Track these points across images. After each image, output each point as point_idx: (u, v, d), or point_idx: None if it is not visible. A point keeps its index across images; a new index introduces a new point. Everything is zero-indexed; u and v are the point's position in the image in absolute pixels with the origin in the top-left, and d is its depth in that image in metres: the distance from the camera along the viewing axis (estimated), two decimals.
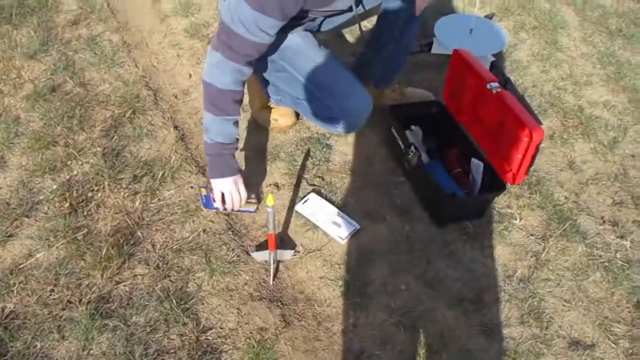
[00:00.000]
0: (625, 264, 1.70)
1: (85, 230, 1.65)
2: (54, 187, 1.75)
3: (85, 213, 1.70)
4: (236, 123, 1.64)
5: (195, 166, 1.87)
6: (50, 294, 1.49)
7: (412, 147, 1.77)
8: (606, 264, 1.70)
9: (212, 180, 1.67)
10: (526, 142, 1.66)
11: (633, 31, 2.68)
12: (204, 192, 1.72)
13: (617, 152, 2.07)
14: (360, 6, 1.69)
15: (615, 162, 2.04)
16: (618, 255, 1.73)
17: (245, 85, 2.01)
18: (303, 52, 1.70)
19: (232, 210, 1.70)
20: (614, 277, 1.66)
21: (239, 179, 1.67)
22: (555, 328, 1.53)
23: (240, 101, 1.62)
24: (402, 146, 1.83)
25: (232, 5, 1.44)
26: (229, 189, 1.66)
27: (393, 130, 1.89)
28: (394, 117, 1.91)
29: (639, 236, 1.79)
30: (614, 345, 1.50)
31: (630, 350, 1.50)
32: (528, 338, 1.50)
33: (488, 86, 1.77)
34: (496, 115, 1.77)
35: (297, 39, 1.70)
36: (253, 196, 1.74)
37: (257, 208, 1.73)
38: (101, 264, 1.55)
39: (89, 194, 1.75)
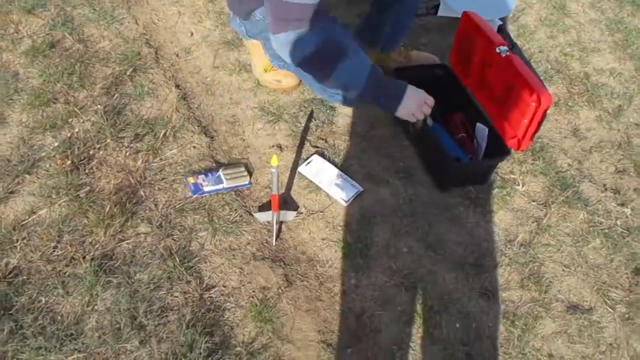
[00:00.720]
0: (625, 231, 1.71)
1: (88, 188, 1.64)
2: (55, 144, 1.74)
3: (87, 171, 1.68)
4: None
5: (198, 126, 1.86)
6: (54, 251, 1.49)
7: None
8: (606, 230, 1.71)
9: (399, 114, 1.63)
10: (534, 108, 1.64)
11: None
12: (191, 180, 1.67)
13: (622, 120, 2.07)
14: None
15: (619, 130, 2.03)
16: (618, 223, 1.74)
17: (249, 48, 1.99)
18: None
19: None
20: (614, 244, 1.67)
21: (411, 89, 1.62)
22: (554, 292, 1.55)
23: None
24: None
25: None
26: (415, 106, 1.62)
27: None
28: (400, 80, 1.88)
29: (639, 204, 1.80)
30: (611, 310, 1.53)
31: (627, 315, 1.52)
32: (527, 301, 1.52)
33: (497, 49, 1.75)
34: (504, 79, 1.75)
35: None
36: (243, 169, 1.72)
37: (250, 181, 1.72)
38: (104, 222, 1.55)
39: (91, 152, 1.73)
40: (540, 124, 1.72)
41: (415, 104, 1.62)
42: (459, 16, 1.96)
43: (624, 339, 1.48)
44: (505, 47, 1.76)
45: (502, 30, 2.24)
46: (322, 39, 1.47)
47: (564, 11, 2.50)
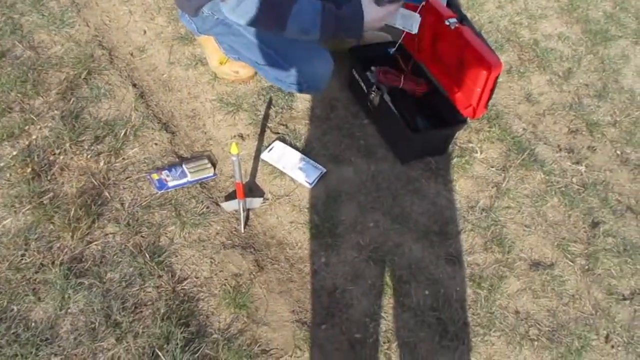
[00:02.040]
0: (581, 188, 1.78)
1: (51, 194, 1.63)
2: (14, 153, 1.72)
3: (49, 177, 1.68)
4: None
5: (158, 123, 1.86)
6: (22, 259, 1.49)
7: (374, 87, 1.79)
8: (563, 189, 1.77)
9: (370, 27, 1.60)
10: (485, 76, 1.69)
11: None
12: (155, 177, 1.68)
13: (572, 82, 2.13)
14: None
15: (570, 92, 2.10)
16: (574, 180, 1.80)
17: (201, 43, 1.99)
18: None
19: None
20: (571, 201, 1.74)
21: (370, 6, 1.56)
22: (516, 252, 1.61)
23: None
24: (364, 87, 1.85)
25: None
26: (381, 13, 1.57)
27: (354, 73, 1.90)
28: (355, 59, 1.91)
29: (593, 161, 1.87)
30: (571, 263, 1.59)
31: (587, 267, 1.59)
32: (492, 263, 1.58)
33: (446, 22, 1.78)
34: (455, 51, 1.79)
35: None
36: (207, 161, 1.74)
37: (215, 172, 1.73)
38: (70, 226, 1.55)
39: (51, 158, 1.72)
40: (492, 91, 1.76)
41: (377, 15, 1.58)
42: None
43: (585, 290, 1.55)
44: (455, 20, 1.80)
45: (451, 3, 2.28)
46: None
47: None
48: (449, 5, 2.26)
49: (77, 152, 1.74)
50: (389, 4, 1.59)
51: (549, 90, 2.09)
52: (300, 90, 1.78)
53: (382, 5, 1.58)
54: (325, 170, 1.74)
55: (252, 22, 1.51)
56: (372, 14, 1.57)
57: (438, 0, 1.86)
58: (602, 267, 1.59)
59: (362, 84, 1.85)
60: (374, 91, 1.78)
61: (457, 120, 1.77)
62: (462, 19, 2.25)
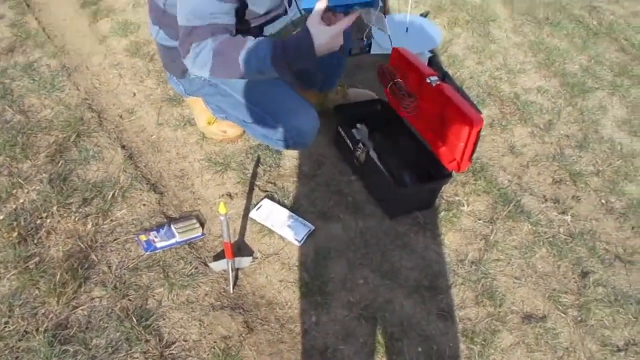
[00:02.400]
0: (569, 238, 1.79)
1: (37, 258, 1.62)
2: (0, 217, 1.71)
3: (35, 241, 1.66)
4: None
5: (146, 184, 1.87)
6: (5, 326, 1.46)
7: (360, 144, 1.82)
8: (551, 239, 1.78)
9: (321, 53, 1.47)
10: (467, 131, 1.73)
11: (559, 18, 2.83)
12: (143, 238, 1.67)
13: (553, 133, 2.18)
14: (296, 11, 1.72)
15: (552, 143, 2.14)
16: (561, 230, 1.82)
17: (189, 104, 2.03)
18: None
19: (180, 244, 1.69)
20: (559, 251, 1.75)
21: (313, 27, 1.43)
22: (508, 305, 1.60)
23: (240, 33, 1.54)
24: (350, 144, 1.88)
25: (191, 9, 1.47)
26: (329, 36, 1.44)
27: (340, 130, 1.93)
28: (340, 117, 1.95)
29: (579, 210, 1.89)
30: (563, 315, 1.58)
31: (579, 318, 1.58)
32: (484, 317, 1.56)
33: (428, 80, 1.84)
34: (437, 107, 1.84)
35: None
36: (195, 221, 1.74)
37: (203, 232, 1.73)
38: (56, 290, 1.53)
39: (38, 222, 1.72)
40: (475, 145, 1.80)
41: (328, 36, 1.44)
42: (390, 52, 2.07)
43: (579, 342, 1.53)
44: (436, 77, 1.85)
45: (433, 61, 2.36)
46: (219, 39, 1.49)
47: (488, 38, 2.66)
48: (430, 63, 2.34)
49: (65, 215, 1.74)
50: (341, 20, 1.45)
51: (531, 142, 2.14)
52: (287, 147, 1.81)
53: (333, 22, 1.46)
54: (313, 227, 1.74)
55: (212, 73, 1.53)
56: (322, 35, 1.43)
57: (418, 59, 1.93)
58: (594, 318, 1.59)
59: (348, 141, 1.88)
60: (359, 148, 1.81)
61: (442, 175, 1.79)
62: (444, 76, 2.33)
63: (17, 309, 1.50)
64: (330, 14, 1.46)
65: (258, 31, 1.73)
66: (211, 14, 1.47)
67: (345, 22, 1.43)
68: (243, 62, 1.48)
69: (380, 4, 1.48)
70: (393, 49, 1.99)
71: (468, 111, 1.72)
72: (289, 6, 1.70)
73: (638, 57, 2.61)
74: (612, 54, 2.63)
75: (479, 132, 1.75)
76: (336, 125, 1.96)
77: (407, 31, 2.38)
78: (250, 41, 1.49)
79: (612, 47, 2.68)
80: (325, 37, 1.44)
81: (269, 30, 1.79)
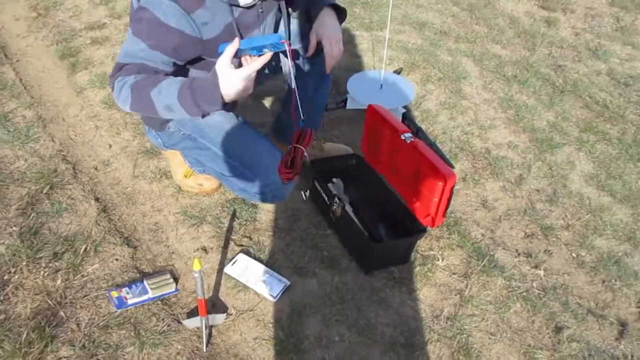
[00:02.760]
0: (542, 292, 1.81)
1: (3, 316, 1.57)
2: None
3: (1, 298, 1.61)
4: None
5: (120, 237, 1.84)
6: None
7: (336, 198, 1.84)
8: (524, 294, 1.80)
9: (228, 99, 1.43)
10: (441, 187, 1.76)
11: (526, 76, 2.95)
12: (115, 294, 1.64)
13: (524, 187, 2.24)
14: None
15: (523, 197, 2.19)
16: (534, 285, 1.84)
17: (166, 157, 2.04)
18: (224, 129, 1.73)
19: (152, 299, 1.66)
20: (533, 306, 1.76)
21: (221, 70, 1.39)
22: None
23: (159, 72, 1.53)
24: (326, 198, 1.89)
25: (124, 46, 1.50)
26: (236, 80, 1.40)
27: (316, 184, 1.95)
28: (316, 171, 1.98)
29: (551, 265, 1.92)
30: None
31: None
32: None
33: (402, 137, 1.88)
34: (411, 163, 1.88)
35: (217, 116, 1.73)
36: (169, 276, 1.72)
37: (177, 287, 1.71)
38: (21, 350, 1.47)
39: (5, 277, 1.67)
40: (449, 200, 1.83)
41: (236, 79, 1.40)
42: (366, 107, 2.12)
43: None
44: (409, 134, 1.90)
45: (407, 117, 2.43)
46: (136, 78, 1.49)
47: (460, 94, 2.75)
48: (404, 118, 2.41)
49: (34, 270, 1.70)
50: (251, 63, 1.42)
51: (503, 196, 2.19)
52: (265, 200, 1.81)
53: (246, 64, 1.44)
54: (289, 283, 1.73)
55: (132, 108, 1.54)
56: (229, 78, 1.39)
57: (392, 116, 1.98)
58: None
59: (324, 195, 1.90)
60: (335, 202, 1.82)
61: (417, 229, 1.81)
62: (418, 131, 2.38)
63: None
64: (249, 56, 1.45)
65: None
66: (142, 57, 1.49)
67: (254, 65, 1.40)
68: (155, 99, 1.47)
69: (285, 48, 1.43)
70: (369, 105, 2.05)
71: (441, 167, 1.76)
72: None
73: (602, 114, 2.73)
74: (578, 111, 2.74)
75: (452, 187, 1.78)
76: (312, 179, 1.98)
77: (381, 87, 2.45)
78: (166, 79, 1.48)
79: (577, 104, 2.80)
80: (233, 80, 1.39)
81: None
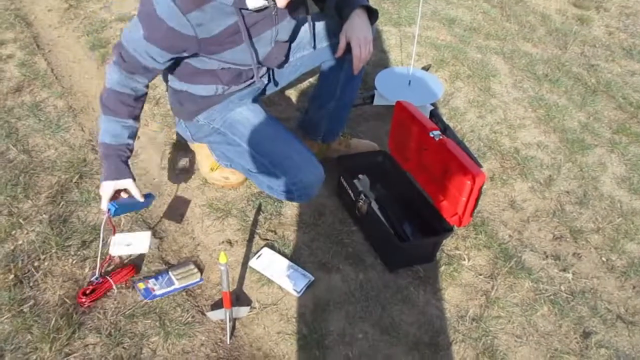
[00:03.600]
0: (570, 296, 1.78)
1: (32, 301, 1.59)
2: None
3: (31, 284, 1.64)
4: (127, 128, 1.61)
5: (146, 228, 1.86)
6: None
7: (362, 195, 1.83)
8: (552, 297, 1.77)
9: (101, 183, 1.57)
10: (470, 186, 1.73)
11: (558, 75, 2.89)
12: (142, 286, 1.65)
13: (553, 189, 2.20)
14: (265, 72, 1.78)
15: (552, 198, 2.15)
16: (562, 288, 1.80)
17: (194, 149, 2.05)
18: (254, 126, 1.74)
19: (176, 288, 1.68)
20: (560, 310, 1.73)
21: (125, 183, 1.58)
22: None
23: (132, 107, 1.61)
24: (352, 195, 1.88)
25: (130, 23, 1.52)
26: (107, 192, 1.55)
27: (342, 181, 1.94)
28: (343, 167, 1.97)
29: (580, 268, 1.88)
30: None
31: None
32: None
33: (431, 134, 1.86)
34: (440, 161, 1.85)
35: (247, 112, 1.74)
36: (193, 267, 1.73)
37: (202, 277, 1.72)
38: (49, 336, 1.50)
39: (36, 264, 1.70)
40: (477, 200, 1.80)
41: (106, 191, 1.56)
42: (393, 104, 2.10)
43: None
44: (438, 132, 1.88)
45: (434, 114, 2.40)
46: (111, 88, 1.58)
47: (489, 92, 2.71)
48: (432, 115, 2.38)
49: (63, 258, 1.72)
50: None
51: (531, 197, 2.15)
52: (292, 199, 1.81)
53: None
54: (313, 278, 1.72)
55: (106, 92, 1.60)
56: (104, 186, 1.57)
57: (421, 113, 1.96)
58: None
59: (350, 192, 1.89)
60: (361, 199, 1.81)
61: (444, 229, 1.79)
62: (446, 128, 2.35)
63: (9, 354, 1.46)
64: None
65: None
66: (136, 51, 1.51)
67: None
68: (101, 121, 1.60)
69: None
70: (397, 102, 2.02)
71: (470, 166, 1.73)
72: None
73: (635, 116, 2.66)
74: (610, 112, 2.68)
75: (481, 187, 1.76)
76: (338, 175, 1.97)
77: (409, 84, 2.43)
78: (106, 122, 1.59)
79: (610, 104, 2.73)
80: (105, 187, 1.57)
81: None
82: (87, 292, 1.60)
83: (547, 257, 1.91)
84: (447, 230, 1.79)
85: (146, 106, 2.39)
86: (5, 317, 1.54)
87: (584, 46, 3.21)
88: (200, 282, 1.71)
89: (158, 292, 1.63)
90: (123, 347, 1.51)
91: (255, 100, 1.82)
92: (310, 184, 1.73)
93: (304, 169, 1.71)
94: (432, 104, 2.44)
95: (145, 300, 1.62)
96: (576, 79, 2.89)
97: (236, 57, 1.59)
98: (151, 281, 1.66)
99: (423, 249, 1.82)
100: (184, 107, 1.78)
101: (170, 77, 1.74)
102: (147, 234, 1.70)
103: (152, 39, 1.47)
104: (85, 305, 1.58)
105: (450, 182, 1.81)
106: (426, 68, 2.74)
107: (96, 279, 1.64)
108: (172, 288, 1.65)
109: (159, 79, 2.44)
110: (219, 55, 1.57)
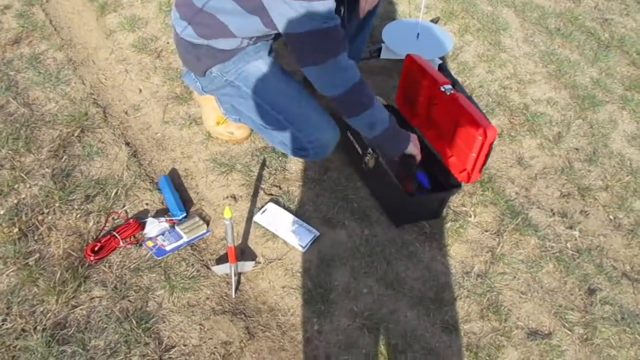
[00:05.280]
0: (576, 253, 1.77)
1: (37, 255, 1.59)
2: (1, 212, 1.69)
3: (36, 237, 1.64)
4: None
5: (150, 182, 1.84)
6: (3, 324, 1.43)
7: (370, 149, 1.80)
8: (558, 254, 1.76)
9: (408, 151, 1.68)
10: (480, 141, 1.70)
11: (570, 30, 2.80)
12: (150, 244, 1.64)
13: (562, 146, 2.16)
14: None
15: (561, 155, 2.12)
16: (568, 245, 1.79)
17: (200, 102, 2.01)
18: (270, 81, 1.69)
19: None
20: (566, 267, 1.72)
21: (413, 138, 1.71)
22: (513, 320, 1.57)
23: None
24: (359, 149, 1.85)
25: (303, 14, 1.39)
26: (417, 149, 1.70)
27: (349, 135, 1.91)
28: None
29: (587, 226, 1.86)
30: (569, 332, 1.56)
31: (585, 336, 1.56)
32: (488, 332, 1.54)
33: (442, 88, 1.81)
34: (450, 116, 1.81)
35: (264, 66, 1.69)
36: (198, 219, 1.72)
37: (208, 228, 1.71)
38: (55, 289, 1.50)
39: (39, 217, 1.69)
40: (487, 156, 1.78)
41: (417, 142, 1.71)
42: (401, 58, 2.04)
43: None
44: (450, 86, 1.83)
45: (443, 68, 2.34)
46: (359, 74, 1.53)
47: (499, 47, 2.63)
48: (440, 69, 2.32)
49: (66, 212, 1.72)
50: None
51: (540, 154, 2.11)
52: (307, 157, 1.78)
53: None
54: (318, 233, 1.72)
55: (338, 96, 1.54)
56: (415, 144, 1.70)
57: (432, 67, 1.90)
58: (600, 337, 1.56)
59: (357, 146, 1.86)
60: (369, 153, 1.78)
61: (451, 184, 1.77)
62: (454, 83, 2.29)
63: (15, 306, 1.47)
64: None
65: None
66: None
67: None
68: (369, 110, 1.56)
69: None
70: (406, 55, 1.97)
71: (482, 121, 1.69)
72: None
73: None
74: (623, 68, 2.61)
75: (492, 143, 1.73)
76: (344, 130, 1.93)
77: (418, 37, 2.36)
78: (376, 99, 1.58)
79: (623, 60, 2.66)
80: (415, 148, 1.72)
81: None
82: (96, 249, 1.59)
83: (554, 214, 1.89)
84: (455, 186, 1.77)
85: (147, 59, 2.35)
86: (11, 270, 1.55)
87: None
88: (208, 233, 1.70)
89: (168, 248, 1.63)
90: (129, 300, 1.52)
91: (270, 53, 1.76)
92: (326, 143, 1.70)
93: (321, 128, 1.68)
94: (441, 58, 2.38)
95: (151, 254, 1.62)
96: (589, 33, 2.81)
97: None
98: (159, 238, 1.65)
99: (430, 204, 1.81)
100: (200, 61, 1.71)
101: (187, 30, 1.64)
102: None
103: None
104: (92, 262, 1.58)
105: (460, 137, 1.77)
106: (435, 21, 2.65)
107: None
108: (181, 242, 1.65)
109: (160, 31, 2.38)
110: None
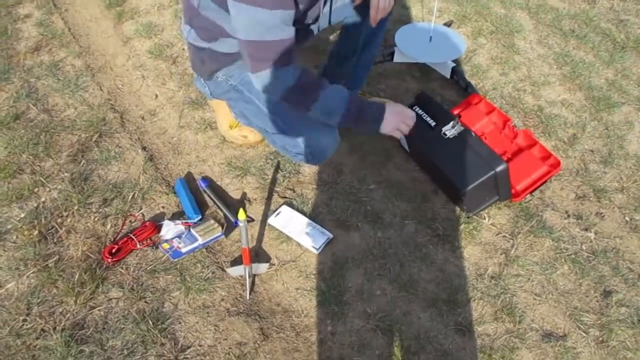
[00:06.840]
0: (591, 255, 1.76)
1: (56, 257, 1.63)
2: (22, 215, 1.73)
3: (55, 240, 1.68)
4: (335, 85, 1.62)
5: (166, 186, 1.87)
6: (23, 324, 1.47)
7: (456, 118, 1.80)
8: (573, 256, 1.75)
9: (383, 131, 1.66)
10: (545, 170, 1.80)
11: (585, 31, 2.78)
12: (166, 246, 1.67)
13: (577, 148, 2.15)
14: (327, 21, 1.72)
15: (575, 157, 2.11)
16: (584, 247, 1.78)
17: (213, 107, 2.04)
18: None
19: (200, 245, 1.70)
20: (581, 269, 1.71)
21: (389, 106, 1.66)
22: (527, 322, 1.57)
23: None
24: (436, 119, 1.83)
25: (247, 22, 1.42)
26: (398, 120, 1.66)
27: (417, 109, 1.88)
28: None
29: (602, 228, 1.85)
30: (584, 335, 1.55)
31: (600, 338, 1.55)
32: (502, 333, 1.53)
33: (512, 124, 1.93)
34: (514, 145, 1.89)
35: None
36: (212, 221, 1.74)
37: (223, 232, 1.73)
38: (74, 290, 1.53)
39: (59, 220, 1.73)
40: (540, 185, 1.84)
41: (397, 119, 1.66)
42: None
43: None
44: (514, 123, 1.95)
45: (456, 70, 2.34)
46: (300, 71, 1.53)
47: (513, 49, 2.63)
48: (454, 72, 2.32)
49: (85, 215, 1.75)
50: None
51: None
52: (306, 161, 1.79)
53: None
54: (332, 236, 1.73)
55: (283, 97, 1.57)
56: (391, 119, 1.65)
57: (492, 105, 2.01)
58: (616, 339, 1.55)
59: (429, 119, 1.84)
60: (454, 118, 1.77)
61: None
62: (467, 85, 2.30)
63: (36, 307, 1.51)
64: None
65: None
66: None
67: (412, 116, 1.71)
68: (319, 100, 1.57)
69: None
70: (474, 95, 2.07)
71: (552, 153, 1.82)
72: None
73: None
74: (639, 69, 2.59)
75: (552, 175, 1.83)
76: (411, 105, 1.89)
77: (430, 40, 2.36)
78: (328, 84, 1.59)
79: (639, 61, 2.63)
80: (393, 120, 1.66)
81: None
82: (113, 251, 1.62)
83: (569, 216, 1.88)
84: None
85: (163, 65, 2.39)
86: (32, 271, 1.58)
87: (613, 0, 3.08)
88: (222, 236, 1.72)
89: (184, 250, 1.65)
90: (145, 301, 1.55)
91: None
92: (324, 148, 1.71)
93: (319, 133, 1.69)
94: (454, 61, 2.38)
95: (167, 257, 1.65)
96: (604, 34, 2.79)
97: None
98: (175, 240, 1.68)
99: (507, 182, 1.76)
100: (205, 65, 1.75)
101: (192, 34, 1.69)
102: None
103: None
104: (110, 264, 1.61)
105: (525, 159, 1.82)
106: (448, 24, 2.66)
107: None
108: (197, 244, 1.67)
109: (176, 37, 2.42)
110: None
